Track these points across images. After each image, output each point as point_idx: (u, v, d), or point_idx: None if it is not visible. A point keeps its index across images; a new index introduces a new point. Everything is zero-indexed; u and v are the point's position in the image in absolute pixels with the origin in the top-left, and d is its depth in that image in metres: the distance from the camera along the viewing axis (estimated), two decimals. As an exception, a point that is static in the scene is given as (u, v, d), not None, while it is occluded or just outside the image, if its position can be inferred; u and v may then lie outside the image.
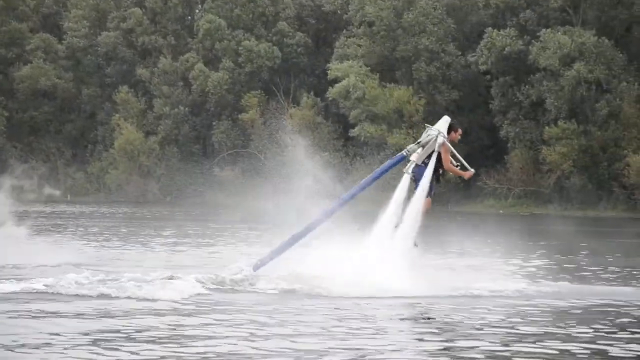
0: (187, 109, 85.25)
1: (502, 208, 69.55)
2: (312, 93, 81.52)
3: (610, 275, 21.24)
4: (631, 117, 68.15)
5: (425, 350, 11.23)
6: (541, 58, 70.04)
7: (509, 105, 72.94)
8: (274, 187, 79.18)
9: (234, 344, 11.19)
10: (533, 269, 21.73)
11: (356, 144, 77.53)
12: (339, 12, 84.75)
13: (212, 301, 15.29)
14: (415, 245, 17.35)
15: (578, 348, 11.41)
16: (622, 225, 50.35)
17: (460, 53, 77.01)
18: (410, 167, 17.16)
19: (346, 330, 12.48)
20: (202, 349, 10.85)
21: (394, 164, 17.87)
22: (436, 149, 16.94)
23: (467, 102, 77.28)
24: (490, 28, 73.78)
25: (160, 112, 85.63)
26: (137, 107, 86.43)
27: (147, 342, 11.27)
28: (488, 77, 74.87)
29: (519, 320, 13.71)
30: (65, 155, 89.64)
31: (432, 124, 17.61)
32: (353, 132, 75.87)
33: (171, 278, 16.97)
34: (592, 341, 11.96)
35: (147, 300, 15.07)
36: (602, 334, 12.59)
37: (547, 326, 13.11)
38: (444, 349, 11.32)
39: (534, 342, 11.69)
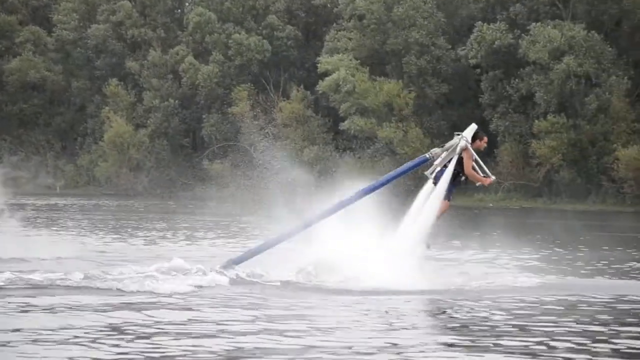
0: (177, 102, 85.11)
1: (492, 201, 69.70)
2: (302, 86, 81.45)
3: (617, 270, 21.32)
4: (620, 111, 68.37)
5: (448, 345, 11.26)
6: (531, 52, 70.17)
7: (499, 99, 73.06)
8: (264, 180, 78.93)
9: (260, 339, 11.25)
10: (539, 263, 21.77)
11: (346, 138, 77.57)
12: (329, 5, 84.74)
13: (228, 296, 15.26)
14: (428, 247, 17.50)
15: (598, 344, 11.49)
16: (613, 219, 50.55)
17: (450, 47, 77.09)
18: (432, 171, 17.31)
19: (371, 325, 12.53)
20: (217, 344, 10.86)
21: (415, 166, 18.01)
22: (457, 151, 17.10)
23: (457, 96, 77.38)
24: (480, 22, 73.86)
25: (150, 105, 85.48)
26: (127, 100, 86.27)
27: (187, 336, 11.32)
28: (478, 70, 74.94)
29: (543, 314, 13.79)
30: (54, 148, 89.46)
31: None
32: (343, 126, 75.91)
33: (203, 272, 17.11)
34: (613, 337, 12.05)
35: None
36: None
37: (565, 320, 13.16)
38: (469, 346, 11.31)
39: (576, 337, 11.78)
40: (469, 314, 13.80)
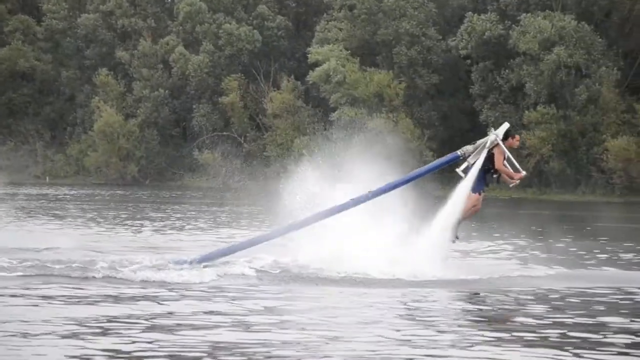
0: (167, 92, 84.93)
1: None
2: (292, 77, 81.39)
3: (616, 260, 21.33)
4: (610, 102, 68.49)
5: (477, 338, 11.23)
6: (521, 42, 70.20)
7: (489, 90, 73.11)
8: (254, 170, 79.20)
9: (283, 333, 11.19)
10: (541, 254, 21.77)
11: (336, 128, 77.45)
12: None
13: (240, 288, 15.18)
14: (457, 238, 17.43)
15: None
16: (605, 210, 50.63)
17: (441, 37, 77.07)
18: (464, 168, 17.30)
19: (395, 320, 12.45)
20: (232, 337, 10.85)
21: (446, 163, 17.92)
22: (487, 145, 17.18)
23: (448, 87, 77.41)
24: (470, 12, 73.88)
25: (140, 95, 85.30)
26: (117, 90, 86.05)
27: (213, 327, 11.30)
28: (468, 61, 74.96)
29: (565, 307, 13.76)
30: (44, 138, 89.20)
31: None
32: (333, 116, 75.86)
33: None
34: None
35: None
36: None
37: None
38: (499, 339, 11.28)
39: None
40: (500, 307, 13.76)
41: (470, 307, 13.86)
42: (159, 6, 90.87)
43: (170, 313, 12.38)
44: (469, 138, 77.37)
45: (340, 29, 79.27)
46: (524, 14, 71.51)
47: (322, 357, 9.88)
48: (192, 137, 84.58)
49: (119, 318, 11.89)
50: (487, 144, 17.19)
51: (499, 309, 13.76)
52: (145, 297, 13.69)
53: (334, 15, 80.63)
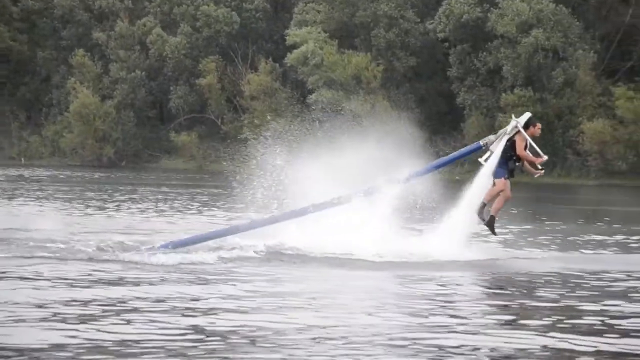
0: (143, 73, 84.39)
1: (458, 174, 69.72)
2: (270, 59, 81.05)
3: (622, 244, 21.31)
4: (586, 85, 68.63)
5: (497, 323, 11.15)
6: (499, 25, 70.19)
7: (467, 73, 73.09)
8: (232, 152, 78.51)
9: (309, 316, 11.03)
10: (532, 237, 21.77)
11: (314, 110, 77.32)
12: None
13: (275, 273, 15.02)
14: (483, 220, 17.56)
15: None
16: (582, 192, 50.81)
17: (419, 20, 76.94)
18: (486, 157, 17.54)
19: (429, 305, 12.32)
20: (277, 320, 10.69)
21: (468, 153, 18.34)
22: (508, 131, 17.46)
23: (425, 69, 77.33)
24: (449, -5, 73.80)
25: (117, 77, 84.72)
26: (93, 71, 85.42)
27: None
28: (446, 44, 74.88)
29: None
30: (19, 118, 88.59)
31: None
32: (310, 98, 75.68)
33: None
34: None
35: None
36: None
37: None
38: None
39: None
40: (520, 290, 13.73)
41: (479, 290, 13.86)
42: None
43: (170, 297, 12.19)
44: (446, 121, 78.06)
45: (319, 11, 79.04)
46: (502, -3, 71.50)
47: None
48: (169, 119, 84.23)
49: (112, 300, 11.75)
50: (509, 131, 17.47)
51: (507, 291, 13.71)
52: (134, 281, 13.53)
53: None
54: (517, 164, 17.48)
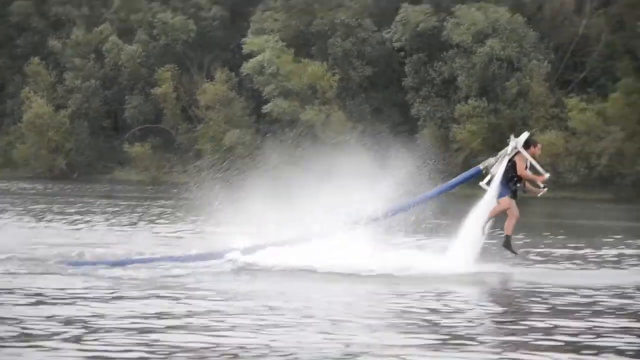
0: (98, 82, 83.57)
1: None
2: (226, 68, 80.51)
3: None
4: (539, 95, 68.70)
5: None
6: (455, 34, 70.18)
7: (422, 83, 72.99)
8: (185, 163, 78.15)
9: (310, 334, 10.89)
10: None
11: (269, 120, 77.02)
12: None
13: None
14: (483, 234, 17.66)
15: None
16: (538, 205, 50.73)
17: (376, 28, 76.78)
18: (487, 181, 17.68)
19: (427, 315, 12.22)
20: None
21: (469, 178, 18.35)
22: (508, 152, 17.42)
23: (381, 79, 77.15)
24: (406, 4, 73.62)
25: (72, 85, 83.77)
26: (48, 80, 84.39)
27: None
28: (402, 53, 74.76)
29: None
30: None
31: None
32: (266, 108, 75.34)
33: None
34: None
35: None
36: None
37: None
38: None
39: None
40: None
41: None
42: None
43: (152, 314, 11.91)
44: (401, 131, 77.78)
45: (276, 20, 78.67)
46: (459, 5, 71.49)
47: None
48: (124, 129, 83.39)
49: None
50: (509, 151, 17.44)
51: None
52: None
53: (271, 5, 80.00)
54: (518, 184, 17.51)
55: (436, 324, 11.46)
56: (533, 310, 13.36)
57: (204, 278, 15.58)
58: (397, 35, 73.44)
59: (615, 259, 20.75)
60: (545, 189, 17.81)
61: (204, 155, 77.90)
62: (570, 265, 19.12)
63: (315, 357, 9.41)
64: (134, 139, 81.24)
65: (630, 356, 9.83)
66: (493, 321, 11.98)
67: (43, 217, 29.72)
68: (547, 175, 17.67)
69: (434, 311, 12.37)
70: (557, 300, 14.04)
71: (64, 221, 28.29)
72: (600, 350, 10.01)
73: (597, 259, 20.53)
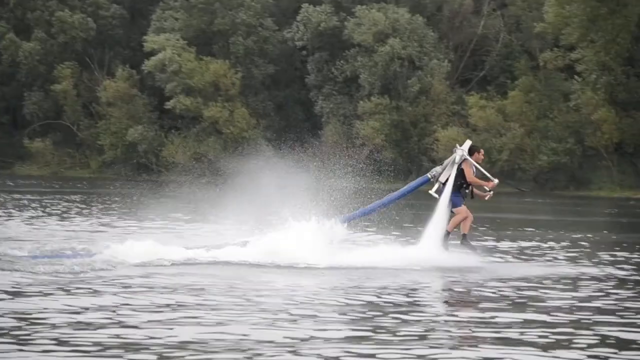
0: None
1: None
2: (127, 65, 79.93)
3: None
4: (440, 93, 70.22)
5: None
6: (356, 34, 71.18)
7: (324, 81, 73.79)
8: (88, 158, 77.24)
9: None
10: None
11: (171, 117, 76.80)
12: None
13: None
14: (447, 249, 17.85)
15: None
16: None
17: (277, 28, 77.33)
18: (436, 189, 17.84)
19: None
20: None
21: (417, 186, 18.54)
22: (456, 160, 17.69)
23: (284, 77, 77.75)
24: (306, 4, 74.36)
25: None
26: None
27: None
28: (304, 52, 75.46)
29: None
30: None
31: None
32: (168, 105, 75.12)
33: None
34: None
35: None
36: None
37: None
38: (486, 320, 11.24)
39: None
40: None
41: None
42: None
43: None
44: (304, 128, 78.24)
45: (177, 18, 78.52)
46: (359, 6, 72.52)
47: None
48: (24, 125, 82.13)
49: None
50: (457, 160, 17.71)
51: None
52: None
53: (171, 4, 79.78)
54: (467, 190, 17.89)
55: (385, 318, 11.24)
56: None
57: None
58: (298, 35, 74.13)
59: (517, 251, 21.03)
60: (492, 192, 18.19)
61: (107, 151, 77.38)
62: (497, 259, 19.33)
63: (259, 348, 9.27)
64: (34, 134, 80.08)
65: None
66: (433, 315, 11.56)
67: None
68: (496, 181, 18.02)
69: (376, 305, 12.03)
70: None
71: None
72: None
73: (503, 252, 20.78)
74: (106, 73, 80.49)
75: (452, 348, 9.54)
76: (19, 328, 9.78)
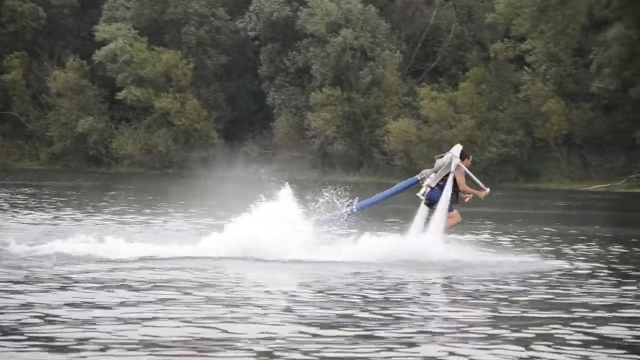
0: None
1: (264, 174, 69.98)
2: (77, 55, 79.08)
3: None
4: (392, 85, 70.11)
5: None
6: (309, 24, 70.88)
7: (277, 71, 73.44)
8: (37, 149, 76.59)
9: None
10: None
11: (122, 108, 76.16)
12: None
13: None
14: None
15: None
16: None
17: (229, 17, 76.86)
18: (423, 192, 17.75)
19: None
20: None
21: (406, 187, 18.40)
22: (452, 170, 17.61)
23: (236, 67, 77.27)
24: (259, -6, 73.94)
25: None
26: None
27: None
28: (257, 42, 75.05)
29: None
30: None
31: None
32: (119, 96, 74.49)
33: None
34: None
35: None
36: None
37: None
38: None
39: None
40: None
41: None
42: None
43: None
44: (256, 119, 77.85)
45: (128, 8, 77.80)
46: (312, -4, 72.22)
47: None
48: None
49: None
50: (452, 168, 17.64)
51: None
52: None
53: (122, -6, 78.99)
54: (457, 195, 17.99)
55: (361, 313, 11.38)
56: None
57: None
58: (251, 25, 73.71)
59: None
60: (471, 195, 18.21)
61: (57, 142, 76.61)
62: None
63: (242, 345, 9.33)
64: (-18, 126, 79.16)
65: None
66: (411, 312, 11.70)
67: None
68: (487, 190, 18.10)
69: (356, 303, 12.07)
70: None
71: None
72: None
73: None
74: (56, 63, 79.63)
75: (426, 343, 9.66)
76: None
